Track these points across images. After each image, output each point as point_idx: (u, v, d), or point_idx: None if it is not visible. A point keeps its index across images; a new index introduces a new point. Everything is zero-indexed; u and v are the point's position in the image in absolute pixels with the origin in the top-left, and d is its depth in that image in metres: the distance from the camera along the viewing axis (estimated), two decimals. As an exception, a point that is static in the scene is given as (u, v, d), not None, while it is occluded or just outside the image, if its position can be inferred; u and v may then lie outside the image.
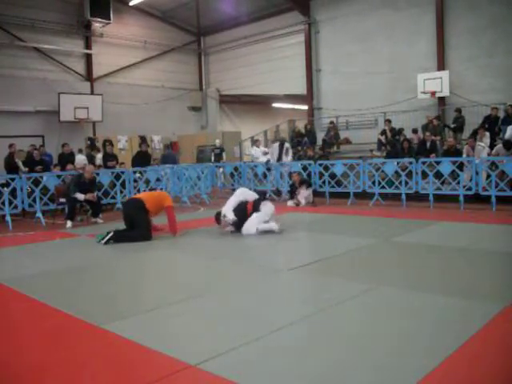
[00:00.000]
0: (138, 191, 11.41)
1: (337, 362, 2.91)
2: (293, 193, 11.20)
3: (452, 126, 13.36)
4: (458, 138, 12.58)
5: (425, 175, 10.35)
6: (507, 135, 11.22)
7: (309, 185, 11.10)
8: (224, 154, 17.38)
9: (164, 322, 3.72)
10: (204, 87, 22.65)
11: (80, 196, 8.94)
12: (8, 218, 9.32)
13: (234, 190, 14.11)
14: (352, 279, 4.71)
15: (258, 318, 3.70)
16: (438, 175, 10.23)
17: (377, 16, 15.85)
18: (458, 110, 13.31)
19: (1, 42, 16.28)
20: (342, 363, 2.89)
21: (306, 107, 18.82)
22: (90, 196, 9.04)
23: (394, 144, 12.93)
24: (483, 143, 11.09)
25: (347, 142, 16.21)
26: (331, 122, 16.20)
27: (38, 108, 16.88)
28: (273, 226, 7.34)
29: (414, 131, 13.30)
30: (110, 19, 18.02)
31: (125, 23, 19.56)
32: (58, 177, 10.35)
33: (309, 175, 11.90)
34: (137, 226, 7.19)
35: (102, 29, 18.67)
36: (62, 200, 9.89)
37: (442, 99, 14.50)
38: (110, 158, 12.77)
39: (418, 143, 12.41)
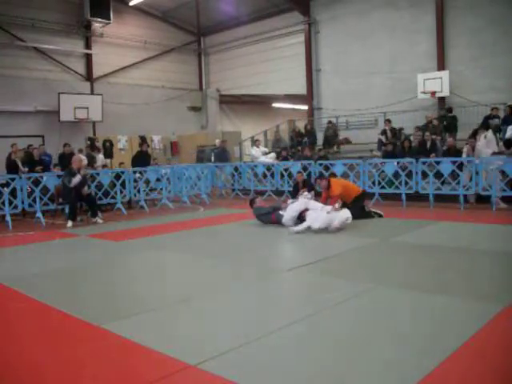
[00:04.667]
0: (138, 191, 11.43)
1: (336, 362, 2.91)
2: (296, 193, 11.16)
3: (444, 123, 13.34)
4: (452, 137, 12.54)
5: (425, 175, 10.35)
6: (507, 135, 11.23)
7: (311, 189, 11.01)
8: (224, 154, 17.37)
9: (164, 322, 3.72)
10: (204, 87, 22.65)
11: (75, 180, 9.08)
12: (8, 218, 9.33)
13: (233, 189, 14.21)
14: (352, 279, 4.71)
15: (258, 318, 3.70)
16: (438, 175, 10.23)
17: (377, 16, 15.86)
18: (449, 110, 13.32)
19: (1, 42, 16.27)
20: (342, 363, 2.89)
21: (306, 107, 18.81)
22: (83, 171, 9.32)
23: (394, 144, 12.93)
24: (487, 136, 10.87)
25: (347, 142, 16.20)
26: (329, 122, 16.19)
27: (38, 108, 16.87)
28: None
29: (417, 130, 13.24)
30: (109, 19, 18.01)
31: (125, 23, 19.56)
32: (58, 177, 10.34)
33: (309, 175, 11.89)
34: None
35: (102, 29, 18.66)
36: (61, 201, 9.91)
37: (442, 99, 14.50)
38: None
39: (418, 143, 12.41)
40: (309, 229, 7.27)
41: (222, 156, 15.51)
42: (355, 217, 8.21)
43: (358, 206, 8.68)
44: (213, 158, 16.16)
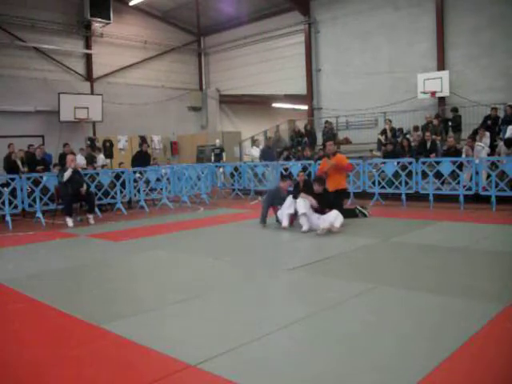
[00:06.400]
0: (138, 191, 11.42)
1: (337, 362, 2.91)
2: (297, 193, 11.12)
3: (450, 124, 13.35)
4: (455, 137, 12.58)
5: (425, 175, 10.35)
6: (507, 135, 11.24)
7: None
8: (224, 154, 17.39)
9: (164, 322, 3.72)
10: (204, 87, 22.66)
11: (67, 174, 9.12)
12: (8, 218, 9.32)
13: (233, 189, 14.19)
14: (352, 279, 4.71)
15: (258, 318, 3.70)
16: (438, 175, 10.23)
17: (377, 16, 15.87)
18: (455, 109, 13.33)
19: (1, 42, 16.28)
20: (343, 363, 2.89)
21: (306, 107, 18.82)
22: (75, 165, 9.34)
23: (394, 144, 12.94)
24: (482, 143, 11.11)
25: (347, 141, 16.21)
26: (326, 122, 16.20)
27: (38, 108, 16.89)
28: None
29: (416, 129, 13.29)
30: (110, 19, 18.03)
31: (125, 23, 19.57)
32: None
33: (309, 175, 11.88)
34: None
35: (102, 29, 18.67)
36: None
37: (442, 99, 14.51)
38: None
39: (418, 143, 12.41)
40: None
41: (268, 155, 14.62)
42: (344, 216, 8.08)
43: (340, 204, 8.50)
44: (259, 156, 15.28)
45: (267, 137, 15.72)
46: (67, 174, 9.13)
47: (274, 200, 8.23)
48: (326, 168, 8.48)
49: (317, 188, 7.56)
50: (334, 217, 7.22)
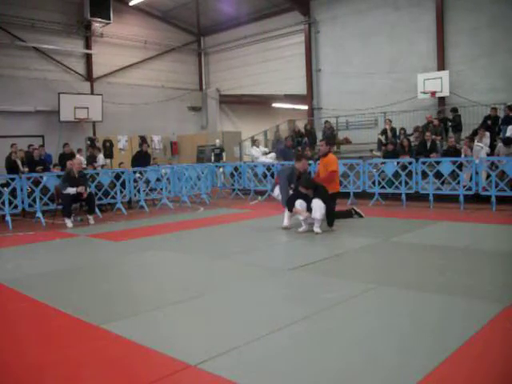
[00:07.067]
0: (138, 191, 11.42)
1: (337, 362, 2.91)
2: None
3: (450, 124, 13.34)
4: (455, 137, 12.58)
5: (425, 175, 10.35)
6: (507, 135, 11.23)
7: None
8: (224, 154, 17.39)
9: (164, 322, 3.72)
10: (204, 87, 22.66)
11: (71, 190, 9.01)
12: (8, 218, 9.32)
13: (233, 189, 14.19)
14: (352, 279, 4.71)
15: (258, 318, 3.70)
16: (438, 175, 10.23)
17: (377, 16, 15.87)
18: (454, 110, 13.33)
19: (1, 42, 16.29)
20: (342, 363, 2.88)
21: (306, 107, 18.83)
22: (80, 189, 9.09)
23: (394, 144, 12.93)
24: (482, 143, 11.11)
25: (347, 141, 16.21)
26: (326, 122, 16.19)
27: (38, 108, 16.89)
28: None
29: (416, 129, 13.30)
30: (110, 19, 18.03)
31: (125, 23, 19.58)
32: (58, 177, 10.33)
33: (309, 175, 11.86)
34: None
35: (102, 29, 18.68)
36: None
37: (442, 99, 14.51)
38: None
39: (418, 143, 12.41)
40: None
41: (287, 154, 14.04)
42: (338, 216, 8.02)
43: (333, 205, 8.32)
44: (275, 155, 14.83)
45: (286, 136, 15.56)
46: (69, 191, 9.02)
47: (291, 180, 7.88)
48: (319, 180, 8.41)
49: (304, 191, 7.36)
50: (314, 209, 7.09)
